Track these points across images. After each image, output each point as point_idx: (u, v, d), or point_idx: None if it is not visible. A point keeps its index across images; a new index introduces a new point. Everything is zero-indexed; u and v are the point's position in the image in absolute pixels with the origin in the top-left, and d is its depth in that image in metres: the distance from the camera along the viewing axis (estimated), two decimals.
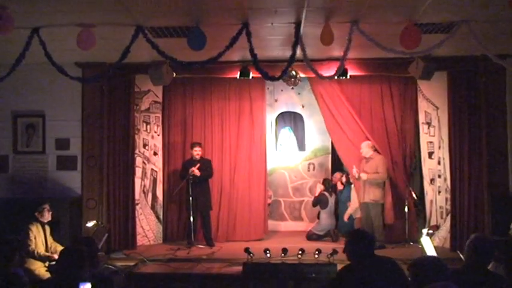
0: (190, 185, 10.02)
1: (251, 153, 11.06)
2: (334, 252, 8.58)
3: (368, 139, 10.38)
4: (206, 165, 10.34)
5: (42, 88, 9.82)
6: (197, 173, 10.07)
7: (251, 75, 9.52)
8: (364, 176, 9.90)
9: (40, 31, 7.33)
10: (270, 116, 11.66)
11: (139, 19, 7.15)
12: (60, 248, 7.53)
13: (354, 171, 10.09)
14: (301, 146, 12.41)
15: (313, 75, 8.06)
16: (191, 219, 10.03)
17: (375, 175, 9.90)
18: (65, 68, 7.79)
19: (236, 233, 10.90)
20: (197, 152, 10.28)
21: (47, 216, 7.82)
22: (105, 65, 9.27)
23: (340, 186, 11.29)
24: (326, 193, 10.95)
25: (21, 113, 9.95)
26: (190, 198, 9.98)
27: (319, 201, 10.96)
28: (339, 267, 5.95)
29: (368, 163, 10.03)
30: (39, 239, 7.59)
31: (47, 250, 7.67)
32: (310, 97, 11.05)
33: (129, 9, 6.75)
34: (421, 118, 10.52)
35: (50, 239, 7.84)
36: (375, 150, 10.17)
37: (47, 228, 7.84)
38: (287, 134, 12.40)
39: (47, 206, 7.82)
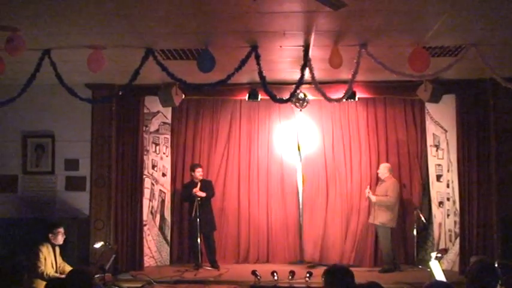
0: (198, 206, 10.01)
1: (276, 174, 11.08)
2: None
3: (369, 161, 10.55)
4: (207, 186, 10.34)
5: (52, 109, 9.89)
6: (202, 194, 10.06)
7: (259, 97, 9.56)
8: (373, 198, 9.90)
9: (51, 52, 7.41)
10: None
11: (150, 41, 7.21)
12: (68, 268, 7.52)
13: (366, 192, 10.08)
14: None
15: (322, 98, 8.07)
16: (198, 240, 10.01)
17: (383, 198, 9.88)
18: (75, 89, 7.85)
19: (271, 255, 10.87)
20: (200, 173, 10.29)
21: (60, 240, 7.81)
22: (114, 86, 9.36)
23: None
24: None
25: (30, 134, 10.02)
26: (198, 219, 9.96)
27: None
28: None
29: (380, 186, 10.05)
30: (49, 260, 7.56)
31: (56, 271, 7.65)
32: (318, 118, 11.03)
33: (140, 32, 6.82)
34: (429, 141, 10.51)
35: (59, 260, 7.83)
36: (391, 173, 10.16)
37: (57, 249, 7.84)
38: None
39: (61, 230, 7.81)
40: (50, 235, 7.69)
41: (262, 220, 10.96)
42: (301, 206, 10.74)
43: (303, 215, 10.73)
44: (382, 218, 9.87)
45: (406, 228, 10.43)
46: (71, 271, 5.02)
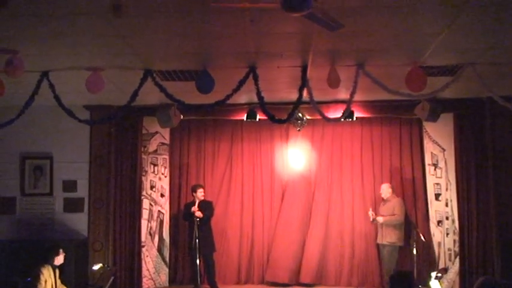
0: (197, 227, 9.96)
1: (278, 195, 11.07)
2: None
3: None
4: (207, 206, 10.30)
5: (50, 130, 9.88)
6: (199, 214, 10.02)
7: (258, 117, 9.58)
8: (380, 220, 9.90)
9: (50, 74, 7.42)
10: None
11: (148, 63, 7.23)
12: None
13: (370, 214, 10.08)
14: None
15: (320, 118, 8.09)
16: (197, 261, 9.94)
17: (391, 217, 9.87)
18: (73, 111, 7.83)
19: (271, 276, 10.75)
20: (202, 193, 10.26)
21: (62, 259, 7.72)
22: (113, 107, 9.36)
23: None
24: None
25: (29, 155, 10.00)
26: (197, 240, 9.90)
27: None
28: None
29: (385, 205, 10.04)
30: (49, 282, 7.43)
31: None
32: (317, 138, 11.05)
33: (138, 53, 6.84)
34: (428, 159, 10.51)
35: (58, 282, 7.74)
36: (393, 191, 10.21)
37: (57, 271, 7.74)
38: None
39: (61, 250, 7.71)
40: (55, 256, 7.59)
41: (263, 241, 10.92)
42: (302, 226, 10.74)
43: (305, 236, 10.72)
44: (391, 237, 9.87)
45: (406, 248, 10.35)
46: None
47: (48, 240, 9.29)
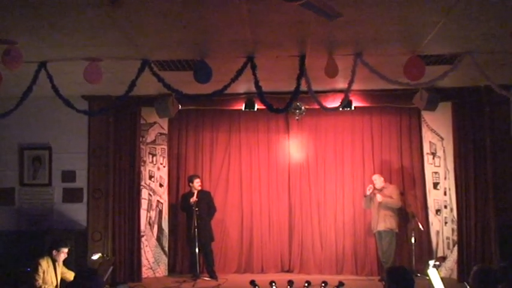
0: (196, 217, 9.98)
1: (277, 184, 11.09)
2: (341, 284, 8.54)
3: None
4: (205, 197, 10.33)
5: (49, 121, 9.90)
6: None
7: (256, 107, 9.57)
8: (379, 198, 9.88)
9: (47, 65, 7.41)
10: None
11: (146, 53, 7.22)
12: (72, 275, 7.44)
13: (368, 189, 10.07)
14: None
15: (318, 107, 8.09)
16: (196, 251, 9.98)
17: (389, 199, 9.87)
18: (72, 101, 7.82)
19: (270, 265, 10.84)
20: (198, 183, 10.28)
21: (61, 259, 7.61)
22: (111, 97, 9.36)
23: None
24: None
25: (27, 146, 10.02)
26: (196, 230, 9.94)
27: None
28: None
29: (381, 192, 10.00)
30: (49, 274, 7.42)
31: (57, 286, 7.54)
32: (315, 128, 11.05)
33: (136, 43, 6.83)
34: (426, 148, 10.53)
35: (63, 269, 7.69)
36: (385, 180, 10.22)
37: (59, 262, 7.67)
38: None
39: (66, 250, 7.59)
40: (54, 251, 7.58)
41: (261, 230, 10.93)
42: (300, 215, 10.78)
43: (304, 225, 10.76)
44: (391, 223, 9.88)
45: (404, 237, 10.37)
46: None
47: (49, 232, 9.34)
